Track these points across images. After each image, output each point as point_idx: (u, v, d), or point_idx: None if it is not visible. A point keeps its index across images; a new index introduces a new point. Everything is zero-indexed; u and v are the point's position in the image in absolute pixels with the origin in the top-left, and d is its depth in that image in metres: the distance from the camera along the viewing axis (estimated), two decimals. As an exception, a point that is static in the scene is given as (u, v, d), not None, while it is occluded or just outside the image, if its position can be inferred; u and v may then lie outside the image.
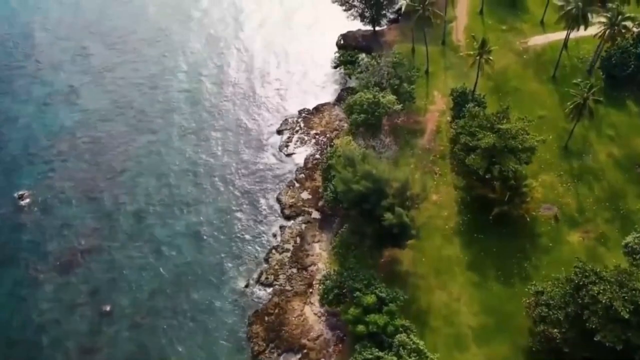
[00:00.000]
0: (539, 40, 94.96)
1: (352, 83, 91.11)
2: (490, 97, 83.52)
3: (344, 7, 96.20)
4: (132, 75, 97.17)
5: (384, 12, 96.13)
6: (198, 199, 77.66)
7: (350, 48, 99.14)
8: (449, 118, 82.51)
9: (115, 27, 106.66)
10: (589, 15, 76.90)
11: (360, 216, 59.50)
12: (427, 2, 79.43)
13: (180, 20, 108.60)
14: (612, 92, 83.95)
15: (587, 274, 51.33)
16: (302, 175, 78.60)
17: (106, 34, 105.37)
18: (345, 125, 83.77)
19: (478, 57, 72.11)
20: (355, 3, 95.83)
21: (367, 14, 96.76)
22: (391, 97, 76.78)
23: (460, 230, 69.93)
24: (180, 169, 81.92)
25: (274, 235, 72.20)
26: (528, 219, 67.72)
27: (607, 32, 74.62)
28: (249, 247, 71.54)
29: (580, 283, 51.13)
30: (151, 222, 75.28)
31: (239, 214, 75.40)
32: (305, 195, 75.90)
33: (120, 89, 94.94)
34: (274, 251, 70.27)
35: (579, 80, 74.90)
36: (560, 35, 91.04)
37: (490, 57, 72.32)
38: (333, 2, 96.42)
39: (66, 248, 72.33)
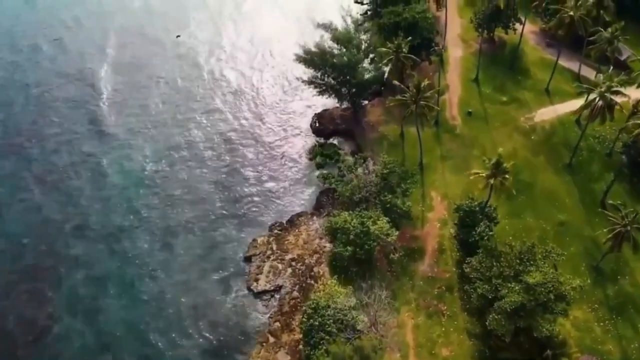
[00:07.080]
0: (546, 114, 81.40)
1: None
2: (498, 199, 69.27)
3: (318, 89, 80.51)
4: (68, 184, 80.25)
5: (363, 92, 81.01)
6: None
7: (326, 132, 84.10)
8: (451, 230, 67.83)
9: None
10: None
11: None
12: (420, 97, 64.15)
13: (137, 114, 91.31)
14: (638, 182, 70.90)
15: None
16: (278, 323, 62.44)
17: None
18: (327, 246, 68.01)
19: (492, 180, 57.06)
20: (331, 81, 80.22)
21: (344, 91, 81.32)
22: (383, 223, 61.44)
23: (482, 405, 55.35)
24: (114, 325, 63.52)
25: None
26: (567, 389, 53.46)
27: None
28: None
29: None
30: None
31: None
32: (282, 355, 59.79)
33: (50, 199, 77.80)
34: None
35: (618, 202, 60.74)
36: (571, 105, 78.02)
37: (507, 176, 57.43)
38: (304, 83, 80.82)
39: None
